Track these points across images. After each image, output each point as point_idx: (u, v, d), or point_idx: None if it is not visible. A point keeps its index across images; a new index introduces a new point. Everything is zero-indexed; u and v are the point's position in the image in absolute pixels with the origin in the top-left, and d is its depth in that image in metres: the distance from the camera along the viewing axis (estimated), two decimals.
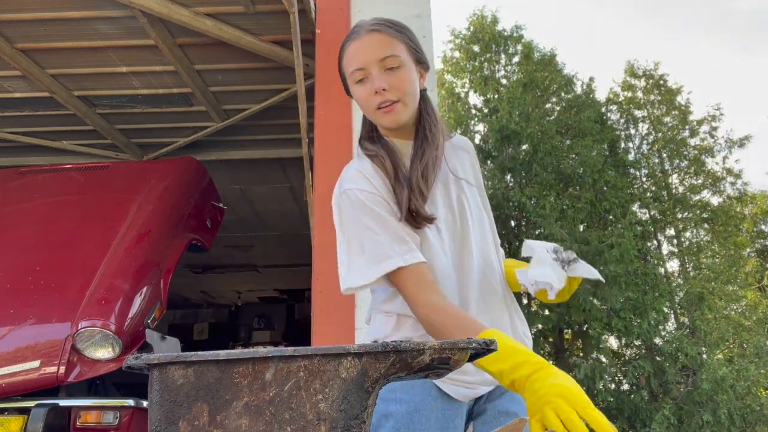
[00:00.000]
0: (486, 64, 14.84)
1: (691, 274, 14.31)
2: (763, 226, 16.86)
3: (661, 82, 16.30)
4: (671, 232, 15.08)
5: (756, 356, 12.29)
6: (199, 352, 0.79)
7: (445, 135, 1.36)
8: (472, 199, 1.34)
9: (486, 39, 14.64)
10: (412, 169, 1.24)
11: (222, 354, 0.78)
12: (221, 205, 4.86)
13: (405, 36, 1.26)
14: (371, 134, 1.32)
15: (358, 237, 1.16)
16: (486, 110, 14.22)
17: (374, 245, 1.14)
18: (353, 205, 1.18)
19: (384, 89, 1.20)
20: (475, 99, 14.81)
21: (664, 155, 15.49)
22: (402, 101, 1.22)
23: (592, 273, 1.27)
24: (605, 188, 13.03)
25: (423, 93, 1.31)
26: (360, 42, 1.23)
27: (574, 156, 13.52)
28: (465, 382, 1.23)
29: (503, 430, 0.87)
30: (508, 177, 13.54)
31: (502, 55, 15.01)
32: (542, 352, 12.71)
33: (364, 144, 1.31)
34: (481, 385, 1.25)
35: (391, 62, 1.21)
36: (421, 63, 1.29)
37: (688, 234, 15.19)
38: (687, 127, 15.68)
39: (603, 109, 15.68)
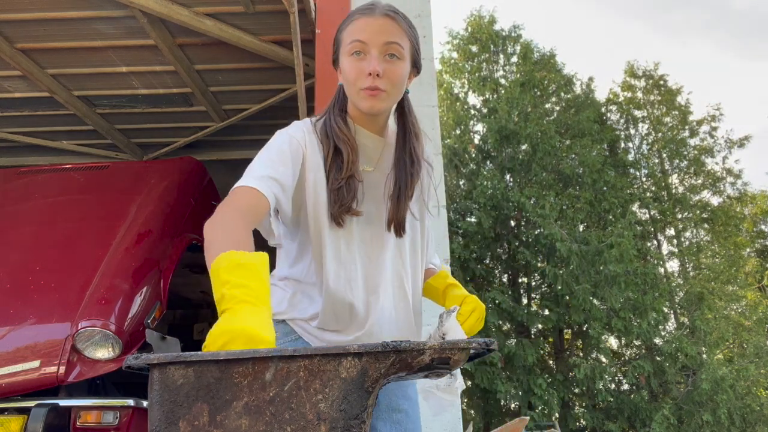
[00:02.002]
0: (484, 64, 14.84)
1: (691, 274, 14.32)
2: (763, 226, 16.87)
3: (661, 82, 16.31)
4: (671, 232, 15.10)
5: (756, 356, 12.30)
6: (199, 352, 0.79)
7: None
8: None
9: (483, 39, 14.65)
10: (396, 174, 1.27)
11: (222, 354, 0.78)
12: None
13: (413, 35, 1.27)
14: (343, 114, 1.30)
15: (257, 157, 1.22)
16: (485, 110, 14.22)
17: (251, 164, 1.19)
18: (271, 140, 1.25)
19: (378, 74, 1.19)
20: (473, 99, 14.81)
21: (664, 155, 15.50)
22: (388, 92, 1.22)
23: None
24: (605, 188, 13.05)
25: (405, 94, 1.32)
26: (372, 19, 1.22)
27: (573, 156, 13.53)
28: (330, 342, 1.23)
29: (503, 429, 0.87)
30: (508, 177, 13.55)
31: (501, 56, 15.01)
32: (542, 351, 12.73)
33: (338, 122, 1.27)
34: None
35: (395, 50, 1.21)
36: (416, 66, 1.31)
37: (688, 234, 15.21)
38: (687, 127, 15.69)
39: (603, 109, 15.70)
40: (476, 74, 14.53)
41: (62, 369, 2.87)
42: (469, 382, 11.81)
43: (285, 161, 1.19)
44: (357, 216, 1.24)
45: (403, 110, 1.34)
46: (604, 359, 12.49)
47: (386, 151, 1.32)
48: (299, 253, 1.28)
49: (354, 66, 1.21)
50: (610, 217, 12.82)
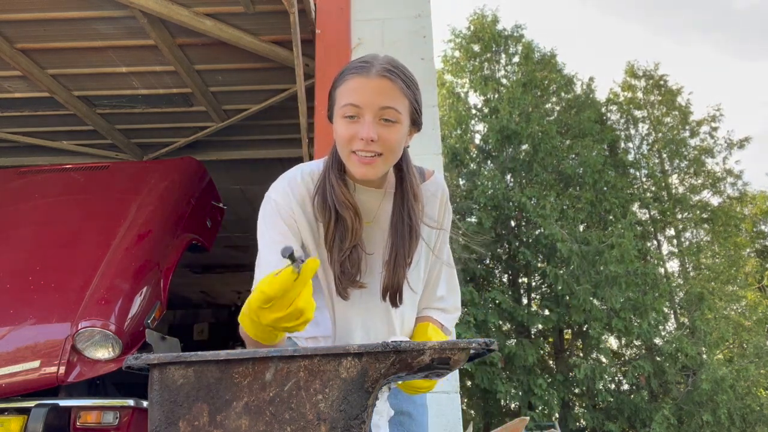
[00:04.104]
0: (486, 63, 14.84)
1: (691, 274, 14.31)
2: (762, 226, 16.86)
3: (662, 82, 16.30)
4: (671, 232, 15.09)
5: (756, 356, 12.29)
6: (199, 352, 0.79)
7: (418, 181, 1.30)
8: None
9: (486, 38, 14.64)
10: (393, 240, 1.21)
11: (222, 354, 0.78)
12: (221, 205, 4.86)
13: (412, 93, 1.19)
14: (342, 174, 1.23)
15: (260, 242, 1.22)
16: (486, 110, 14.21)
17: (260, 254, 1.20)
18: (264, 211, 1.23)
19: (372, 140, 1.12)
20: (475, 99, 14.81)
21: (664, 155, 15.49)
22: (384, 156, 1.15)
23: None
24: (605, 188, 13.04)
25: (404, 150, 1.25)
26: (367, 81, 1.14)
27: (574, 156, 13.52)
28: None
29: (503, 429, 0.86)
30: (509, 177, 13.54)
31: (502, 55, 15.00)
32: (542, 352, 12.72)
33: (340, 186, 1.21)
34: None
35: (390, 115, 1.14)
36: (416, 124, 1.23)
37: (688, 234, 15.20)
38: (687, 127, 15.68)
39: (603, 110, 15.69)
40: (478, 73, 14.52)
41: (62, 369, 2.87)
42: (469, 382, 11.82)
43: (284, 234, 1.19)
44: (362, 289, 1.20)
45: (401, 169, 1.25)
46: (604, 359, 12.49)
47: (385, 202, 1.26)
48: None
49: (347, 129, 1.15)
50: (611, 217, 12.81)
